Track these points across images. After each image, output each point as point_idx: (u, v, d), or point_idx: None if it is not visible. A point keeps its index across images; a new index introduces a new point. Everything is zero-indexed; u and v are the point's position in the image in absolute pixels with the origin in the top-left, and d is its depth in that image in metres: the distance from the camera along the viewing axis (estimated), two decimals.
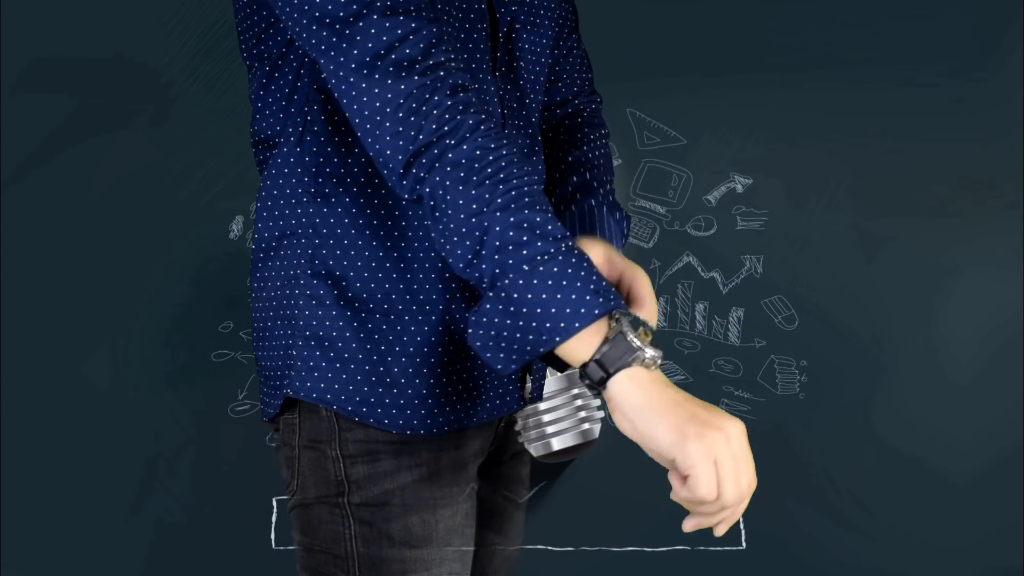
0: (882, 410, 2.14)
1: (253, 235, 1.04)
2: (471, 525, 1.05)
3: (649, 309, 0.99)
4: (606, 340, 0.83)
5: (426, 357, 0.99)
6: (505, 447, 1.17)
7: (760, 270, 2.15)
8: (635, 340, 0.83)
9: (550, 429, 1.98)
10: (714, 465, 0.81)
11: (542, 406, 1.97)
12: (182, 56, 2.15)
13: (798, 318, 2.15)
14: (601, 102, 1.27)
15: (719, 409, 0.84)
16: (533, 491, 2.17)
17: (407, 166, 0.87)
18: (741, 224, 2.16)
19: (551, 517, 2.17)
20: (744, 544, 2.14)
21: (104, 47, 2.14)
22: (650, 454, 0.84)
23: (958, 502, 2.13)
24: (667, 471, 0.84)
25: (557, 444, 1.98)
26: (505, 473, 1.18)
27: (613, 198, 1.17)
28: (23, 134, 2.14)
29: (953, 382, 2.14)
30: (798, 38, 2.15)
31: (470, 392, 1.03)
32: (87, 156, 2.14)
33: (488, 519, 1.16)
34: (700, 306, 2.15)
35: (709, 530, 0.86)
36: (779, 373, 2.15)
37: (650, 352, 0.84)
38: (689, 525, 0.85)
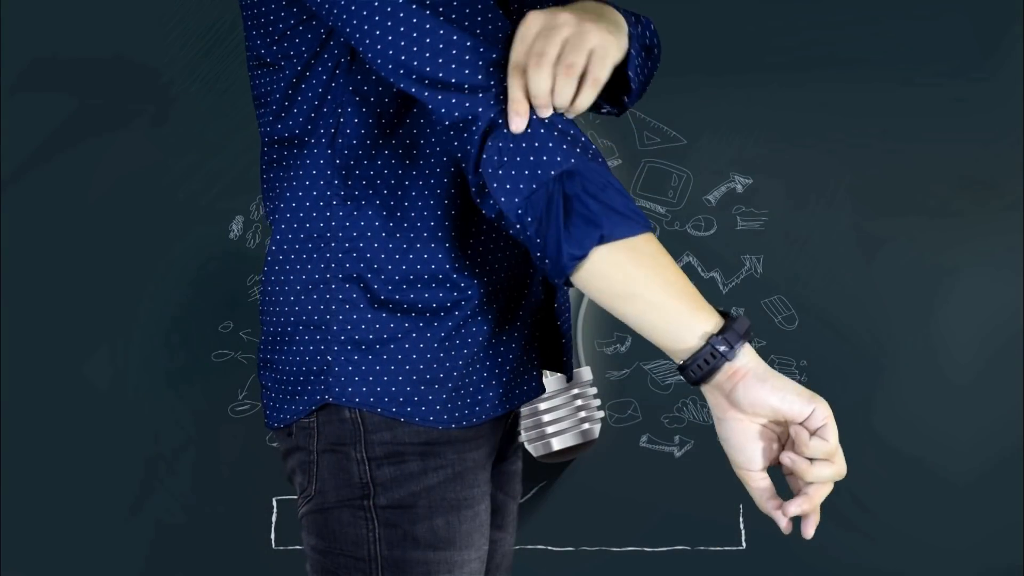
0: (882, 410, 2.14)
1: (275, 235, 1.01)
2: (488, 525, 1.05)
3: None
4: (729, 317, 0.87)
5: (459, 350, 1.00)
6: (508, 444, 1.17)
7: (760, 270, 2.15)
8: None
9: (550, 429, 1.98)
10: None
11: (542, 406, 1.97)
12: (182, 56, 2.15)
13: (798, 318, 2.15)
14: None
15: None
16: (533, 491, 2.17)
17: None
18: (741, 224, 2.16)
19: (551, 517, 2.17)
20: (744, 544, 2.14)
21: (104, 47, 2.14)
22: (780, 409, 0.86)
23: (958, 502, 2.13)
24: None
25: (557, 444, 1.98)
26: (506, 470, 1.18)
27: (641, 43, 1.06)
28: (23, 134, 2.14)
29: (953, 382, 2.13)
30: (798, 38, 2.15)
31: (500, 380, 1.04)
32: (87, 156, 2.14)
33: (492, 516, 1.16)
34: None
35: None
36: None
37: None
38: (794, 508, 0.89)
